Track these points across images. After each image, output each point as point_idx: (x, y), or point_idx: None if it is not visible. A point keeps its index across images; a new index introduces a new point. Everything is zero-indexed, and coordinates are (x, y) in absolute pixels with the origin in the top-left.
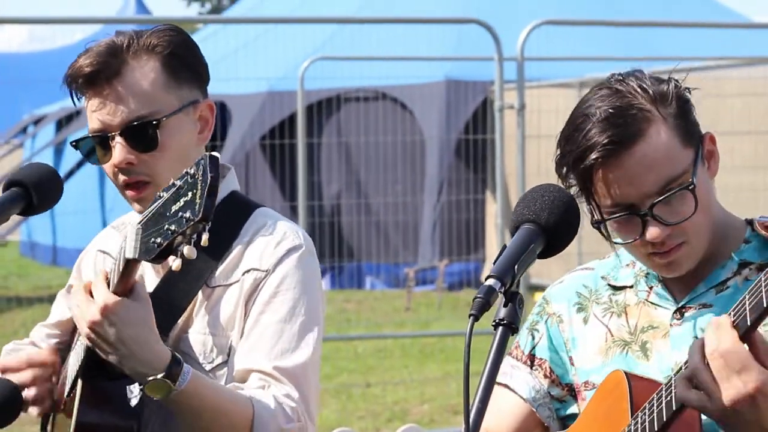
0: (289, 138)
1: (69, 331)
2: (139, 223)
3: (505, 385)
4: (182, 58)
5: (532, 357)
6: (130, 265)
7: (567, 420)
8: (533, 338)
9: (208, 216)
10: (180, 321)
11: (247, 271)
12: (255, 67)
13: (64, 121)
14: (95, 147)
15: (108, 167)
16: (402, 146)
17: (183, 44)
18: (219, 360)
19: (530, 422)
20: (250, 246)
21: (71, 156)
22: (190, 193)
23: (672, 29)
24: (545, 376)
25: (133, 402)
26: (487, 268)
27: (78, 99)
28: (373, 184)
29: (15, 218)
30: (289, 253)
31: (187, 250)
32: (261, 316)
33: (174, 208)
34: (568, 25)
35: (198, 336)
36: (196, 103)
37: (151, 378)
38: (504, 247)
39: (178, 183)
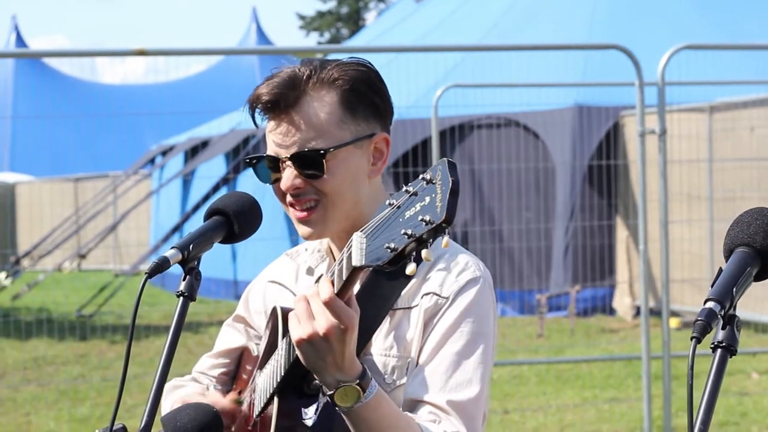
0: (420, 165)
1: (235, 360)
2: (362, 231)
3: None
4: (362, 94)
5: None
6: (354, 274)
7: None
8: None
9: (451, 218)
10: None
11: (427, 294)
12: None
13: (192, 152)
14: (267, 167)
15: (277, 189)
16: (532, 172)
17: (365, 80)
18: (400, 381)
19: None
20: (431, 271)
21: (199, 186)
22: (428, 198)
23: None
24: None
25: (309, 423)
26: (619, 293)
27: (261, 120)
28: (504, 211)
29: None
30: (470, 284)
31: (425, 253)
32: (439, 348)
33: (408, 213)
34: (707, 49)
35: (379, 357)
36: (372, 136)
37: (343, 384)
38: (720, 270)
39: (411, 189)
